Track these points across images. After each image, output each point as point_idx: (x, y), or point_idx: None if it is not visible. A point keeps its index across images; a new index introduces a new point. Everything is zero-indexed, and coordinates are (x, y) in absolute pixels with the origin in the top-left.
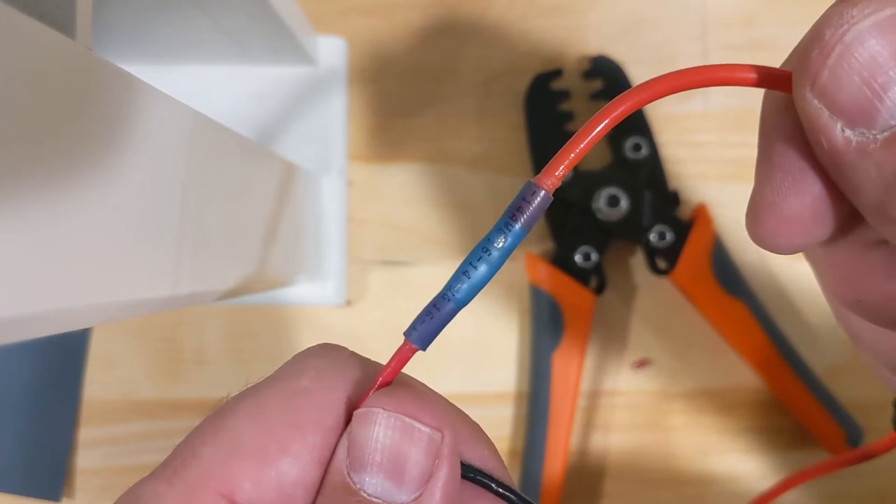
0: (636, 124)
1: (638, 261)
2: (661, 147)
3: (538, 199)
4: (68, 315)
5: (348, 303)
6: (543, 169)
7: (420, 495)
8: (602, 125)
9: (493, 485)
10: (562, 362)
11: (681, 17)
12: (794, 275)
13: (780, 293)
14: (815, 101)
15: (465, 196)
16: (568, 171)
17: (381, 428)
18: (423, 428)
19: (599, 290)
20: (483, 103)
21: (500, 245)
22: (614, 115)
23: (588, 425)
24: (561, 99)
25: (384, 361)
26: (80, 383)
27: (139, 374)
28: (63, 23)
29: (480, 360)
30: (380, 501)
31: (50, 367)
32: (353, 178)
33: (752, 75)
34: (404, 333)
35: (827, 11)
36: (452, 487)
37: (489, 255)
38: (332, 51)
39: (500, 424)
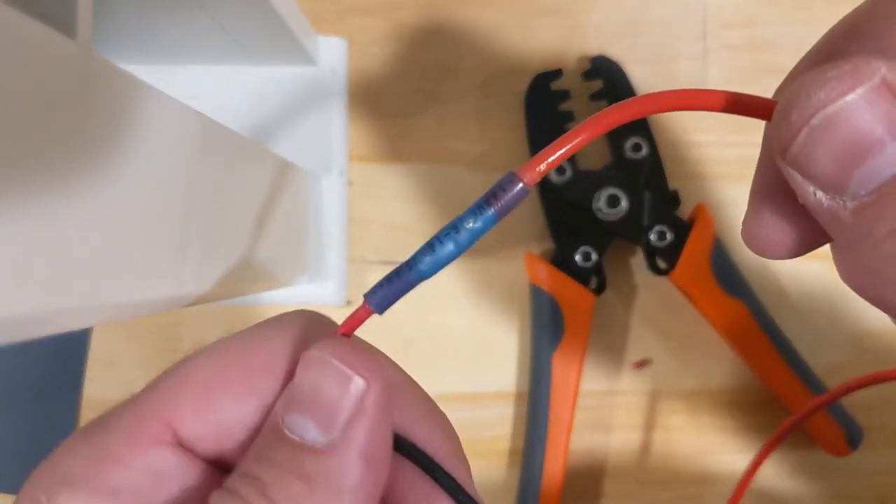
0: (636, 124)
1: (638, 261)
2: (661, 147)
3: (515, 189)
4: (70, 315)
5: (348, 303)
6: (527, 162)
7: (336, 439)
8: (590, 132)
9: (421, 462)
10: (562, 362)
11: (681, 17)
12: (794, 275)
13: (780, 293)
14: (788, 167)
15: (465, 196)
16: (550, 168)
17: (312, 369)
18: (349, 373)
19: (599, 290)
20: (483, 103)
21: (470, 226)
22: (605, 123)
23: (588, 425)
24: (561, 99)
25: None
26: (80, 383)
27: (139, 373)
28: (63, 23)
29: (480, 360)
30: (298, 439)
31: (50, 367)
32: (353, 178)
33: (740, 104)
34: (364, 295)
35: (795, 87)
36: (374, 442)
37: (458, 233)
38: (332, 51)
39: (500, 424)
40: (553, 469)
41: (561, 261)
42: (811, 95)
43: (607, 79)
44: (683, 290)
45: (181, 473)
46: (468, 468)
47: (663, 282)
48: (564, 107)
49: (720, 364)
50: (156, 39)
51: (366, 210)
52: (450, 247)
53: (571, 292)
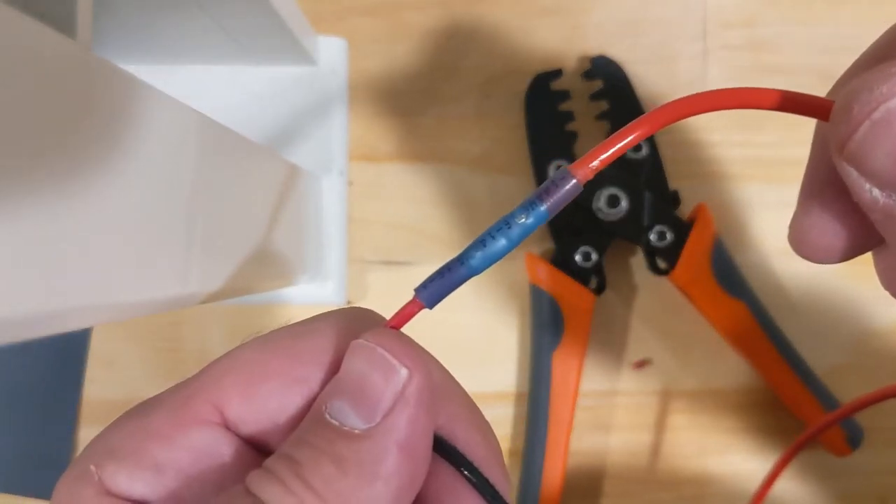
0: None
1: (638, 261)
2: (661, 147)
3: (568, 185)
4: (71, 315)
5: (348, 303)
6: (580, 159)
7: (374, 427)
8: (644, 129)
9: (461, 465)
10: (562, 362)
11: (681, 17)
12: (794, 275)
13: (780, 293)
14: (845, 163)
15: (466, 196)
16: (603, 166)
17: (358, 357)
18: (394, 362)
19: (599, 290)
20: (483, 103)
21: (522, 221)
22: (659, 120)
23: (588, 425)
24: (561, 99)
25: None
26: (81, 383)
27: (139, 373)
28: (63, 23)
29: (480, 360)
30: (337, 424)
31: (50, 367)
32: (353, 178)
33: (795, 103)
34: (415, 290)
35: (856, 83)
36: (412, 434)
37: (509, 228)
38: (332, 51)
39: (500, 424)
40: (553, 469)
41: (561, 261)
42: (873, 90)
43: (607, 79)
44: (683, 290)
45: (223, 453)
46: (507, 475)
47: (663, 282)
48: (564, 107)
49: (720, 364)
50: (156, 39)
51: (366, 210)
52: (501, 242)
53: (571, 292)
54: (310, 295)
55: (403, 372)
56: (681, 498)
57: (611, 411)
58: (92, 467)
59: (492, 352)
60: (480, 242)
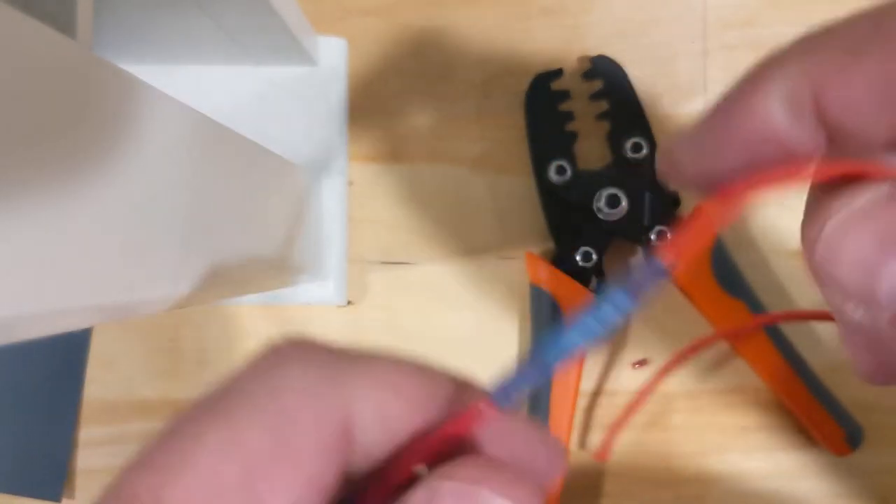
0: (636, 124)
1: (638, 261)
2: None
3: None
4: (69, 315)
5: (349, 303)
6: (667, 244)
7: None
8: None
9: None
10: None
11: (681, 17)
12: (794, 275)
13: (780, 293)
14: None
15: (466, 196)
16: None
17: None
18: None
19: (600, 290)
20: (483, 103)
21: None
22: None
23: (588, 425)
24: (561, 99)
25: None
26: (81, 383)
27: (139, 374)
28: (63, 23)
29: (480, 360)
30: None
31: (50, 367)
32: (353, 178)
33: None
34: (491, 395)
35: (809, 203)
36: None
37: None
38: (332, 51)
39: None
40: None
41: (561, 261)
42: (827, 208)
43: (607, 79)
44: (683, 290)
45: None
46: None
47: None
48: (564, 107)
49: (720, 364)
50: (156, 39)
51: (366, 210)
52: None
53: (571, 292)
54: (310, 295)
55: None
56: (681, 498)
57: (611, 411)
58: None
59: (491, 352)
60: (560, 348)
